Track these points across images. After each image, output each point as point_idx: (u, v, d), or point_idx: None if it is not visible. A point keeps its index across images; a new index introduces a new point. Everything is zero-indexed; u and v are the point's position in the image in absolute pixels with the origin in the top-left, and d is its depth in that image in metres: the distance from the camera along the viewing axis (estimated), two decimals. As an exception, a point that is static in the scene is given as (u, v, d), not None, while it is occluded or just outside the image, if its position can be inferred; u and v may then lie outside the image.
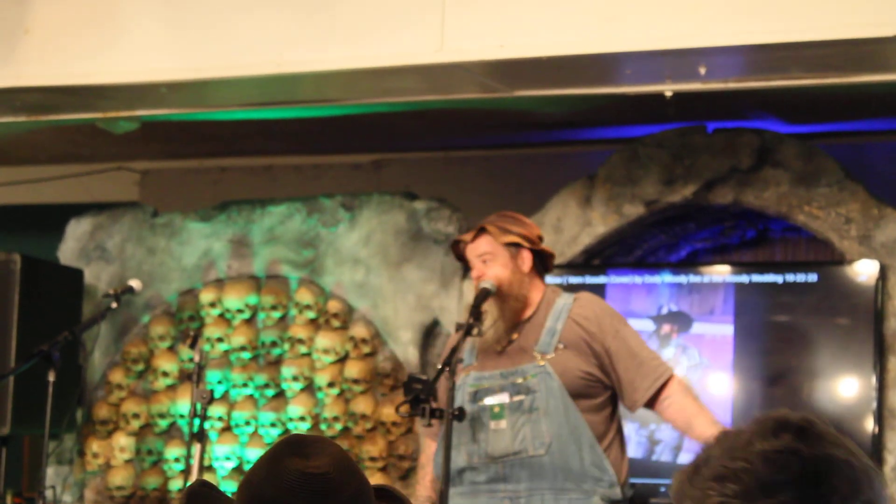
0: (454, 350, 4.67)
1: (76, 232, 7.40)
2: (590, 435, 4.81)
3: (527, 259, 4.93)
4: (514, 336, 4.88)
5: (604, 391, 4.86)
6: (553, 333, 4.88)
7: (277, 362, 6.93)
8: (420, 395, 4.63)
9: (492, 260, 4.94)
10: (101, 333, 6.91)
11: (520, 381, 4.85)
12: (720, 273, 6.26)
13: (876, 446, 5.80)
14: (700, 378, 6.23)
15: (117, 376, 7.16)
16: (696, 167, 6.29)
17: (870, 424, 5.83)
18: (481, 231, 4.97)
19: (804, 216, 6.12)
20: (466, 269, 5.21)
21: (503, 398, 4.86)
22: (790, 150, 6.18)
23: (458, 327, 4.84)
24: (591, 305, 4.94)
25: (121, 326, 7.21)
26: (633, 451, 6.19)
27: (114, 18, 5.78)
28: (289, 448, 2.01)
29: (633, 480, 5.08)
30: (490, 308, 4.85)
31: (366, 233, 6.85)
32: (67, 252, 7.38)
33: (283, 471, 1.97)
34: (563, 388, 4.79)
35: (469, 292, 6.21)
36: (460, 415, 4.70)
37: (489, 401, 4.85)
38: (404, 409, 4.74)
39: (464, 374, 4.92)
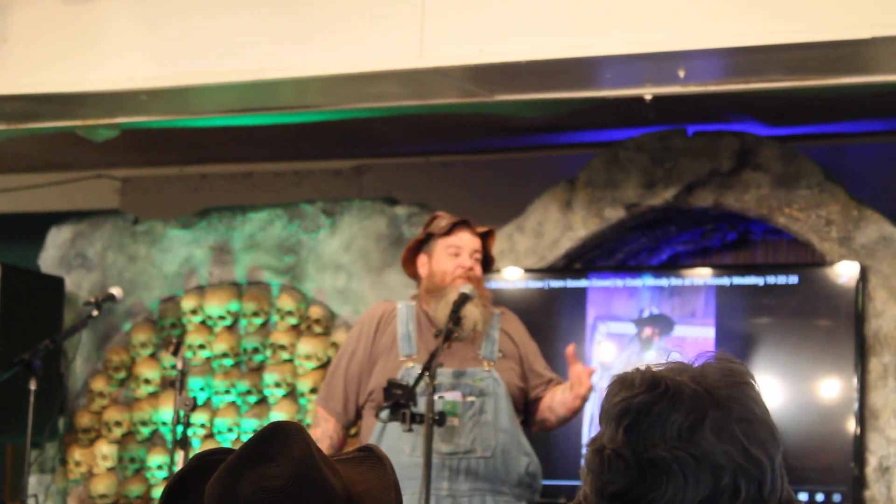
0: (433, 355, 4.67)
1: (57, 240, 7.38)
2: (525, 443, 5.00)
3: None
4: (455, 335, 4.95)
5: (523, 405, 5.10)
6: (493, 342, 5.07)
7: (260, 369, 6.92)
8: (400, 400, 4.63)
9: (478, 263, 5.08)
10: (82, 341, 6.90)
11: (471, 382, 4.93)
12: (701, 276, 6.26)
13: (858, 447, 5.81)
14: (682, 381, 6.23)
15: (99, 384, 7.14)
16: (676, 170, 6.30)
17: (852, 425, 5.84)
18: (490, 232, 5.20)
19: (784, 218, 6.13)
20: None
21: (457, 396, 4.89)
22: (770, 153, 6.19)
23: (438, 332, 4.85)
24: (517, 322, 5.21)
25: (102, 334, 7.19)
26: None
27: (93, 26, 5.77)
28: (247, 454, 1.92)
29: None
30: (468, 313, 4.89)
31: (347, 238, 6.85)
32: (48, 260, 7.36)
33: (236, 490, 1.88)
34: (508, 396, 4.92)
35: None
36: (441, 419, 4.71)
37: (444, 396, 4.88)
38: (385, 414, 4.74)
39: (406, 365, 4.96)
